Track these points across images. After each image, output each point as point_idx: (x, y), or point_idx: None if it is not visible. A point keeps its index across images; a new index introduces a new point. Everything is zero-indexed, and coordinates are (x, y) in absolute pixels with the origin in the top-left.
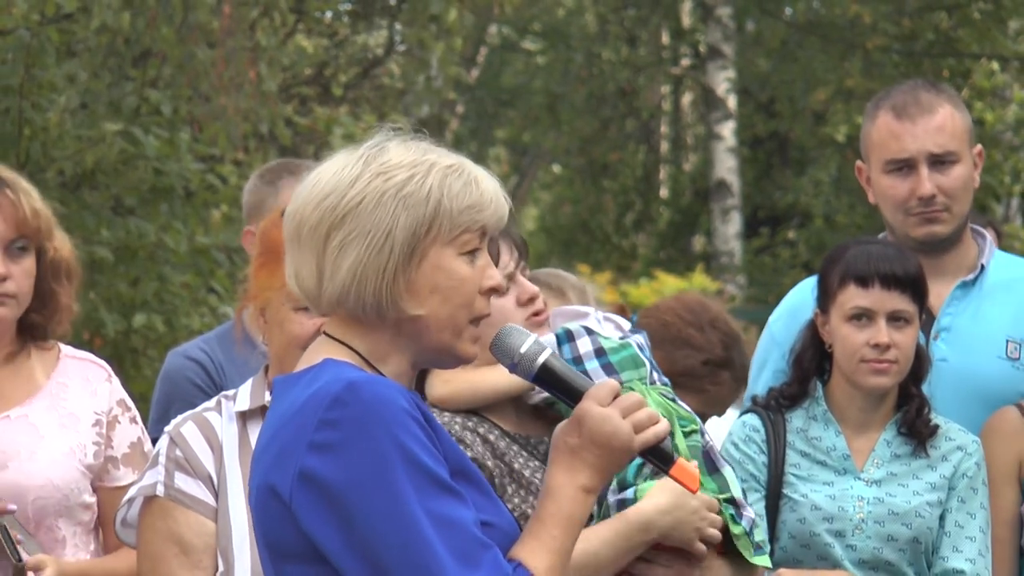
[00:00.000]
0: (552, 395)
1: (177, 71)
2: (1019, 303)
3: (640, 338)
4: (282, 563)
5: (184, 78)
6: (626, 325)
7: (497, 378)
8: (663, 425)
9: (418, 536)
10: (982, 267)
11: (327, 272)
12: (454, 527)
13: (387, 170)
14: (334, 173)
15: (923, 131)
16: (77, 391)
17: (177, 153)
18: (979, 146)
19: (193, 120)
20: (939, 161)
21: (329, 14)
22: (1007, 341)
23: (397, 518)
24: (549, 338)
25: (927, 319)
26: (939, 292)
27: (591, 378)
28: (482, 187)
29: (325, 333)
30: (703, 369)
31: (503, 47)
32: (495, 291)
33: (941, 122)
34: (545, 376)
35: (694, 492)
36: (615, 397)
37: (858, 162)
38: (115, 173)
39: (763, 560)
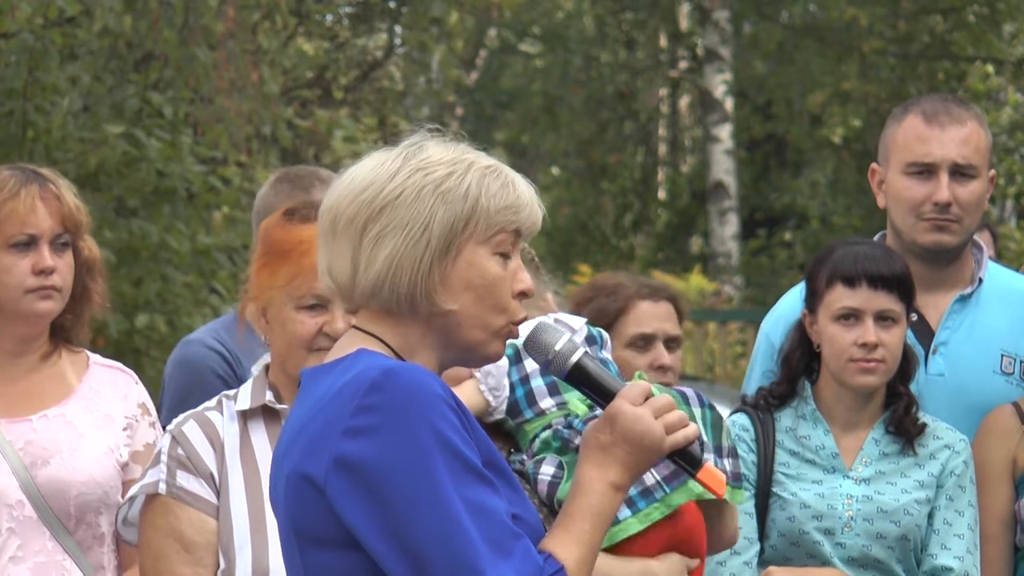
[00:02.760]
0: (583, 393)
1: (178, 73)
2: (1013, 316)
3: (591, 350)
4: (311, 550)
5: (185, 80)
6: (578, 324)
7: (460, 397)
8: (692, 428)
9: (454, 522)
10: (980, 281)
11: (362, 264)
12: (488, 515)
13: (426, 166)
14: (372, 168)
15: (950, 140)
16: (109, 395)
17: (179, 155)
18: (993, 171)
19: (196, 123)
20: (960, 172)
21: (329, 17)
22: (1002, 355)
23: (433, 504)
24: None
25: (926, 333)
26: (938, 305)
27: (535, 397)
28: (519, 190)
29: (355, 327)
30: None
31: (502, 50)
32: (525, 295)
33: (968, 135)
34: (578, 374)
35: (720, 496)
36: (647, 398)
37: (873, 165)
38: (118, 175)
39: (738, 495)
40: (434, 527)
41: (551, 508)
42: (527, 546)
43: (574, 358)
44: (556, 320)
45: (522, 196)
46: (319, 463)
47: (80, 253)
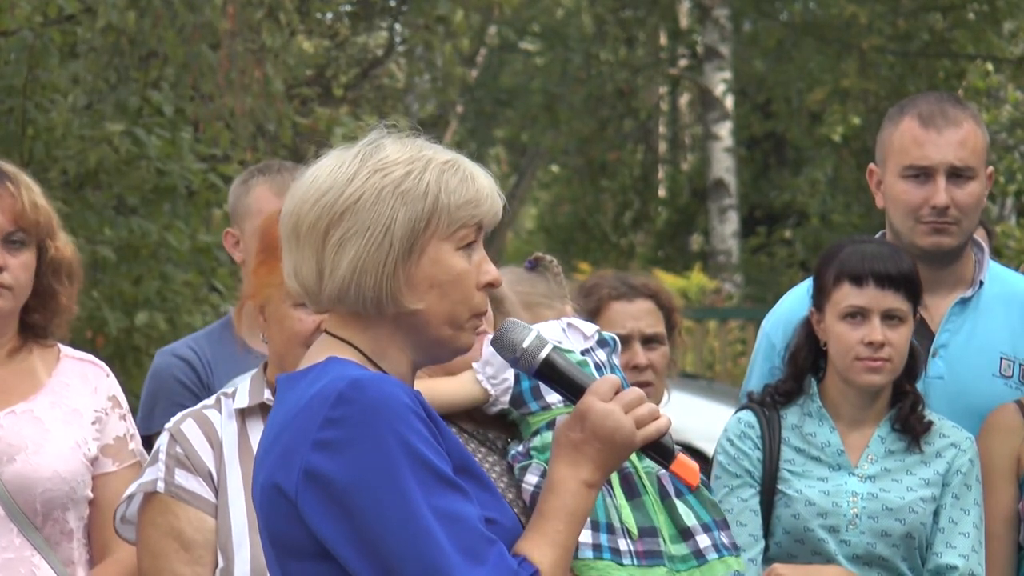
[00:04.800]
0: (555, 390)
1: (180, 71)
2: (1014, 320)
3: (603, 354)
4: (288, 561)
5: (187, 78)
6: (590, 330)
7: (456, 389)
8: (664, 420)
9: (424, 532)
10: (980, 283)
11: (327, 268)
12: (459, 523)
13: (384, 166)
14: (331, 171)
15: (947, 143)
16: (78, 389)
17: (179, 153)
18: (991, 168)
19: (196, 120)
20: (957, 175)
21: (330, 15)
22: (1001, 359)
23: (403, 515)
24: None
25: (926, 335)
26: (938, 306)
27: (542, 391)
28: (478, 183)
29: (327, 332)
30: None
31: (502, 48)
32: (492, 285)
33: (964, 137)
34: (547, 371)
35: (693, 487)
36: (616, 392)
37: (871, 165)
38: (118, 173)
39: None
40: (405, 538)
41: (523, 517)
42: (500, 551)
43: (542, 355)
44: (568, 325)
45: (482, 189)
46: (290, 475)
47: (46, 252)
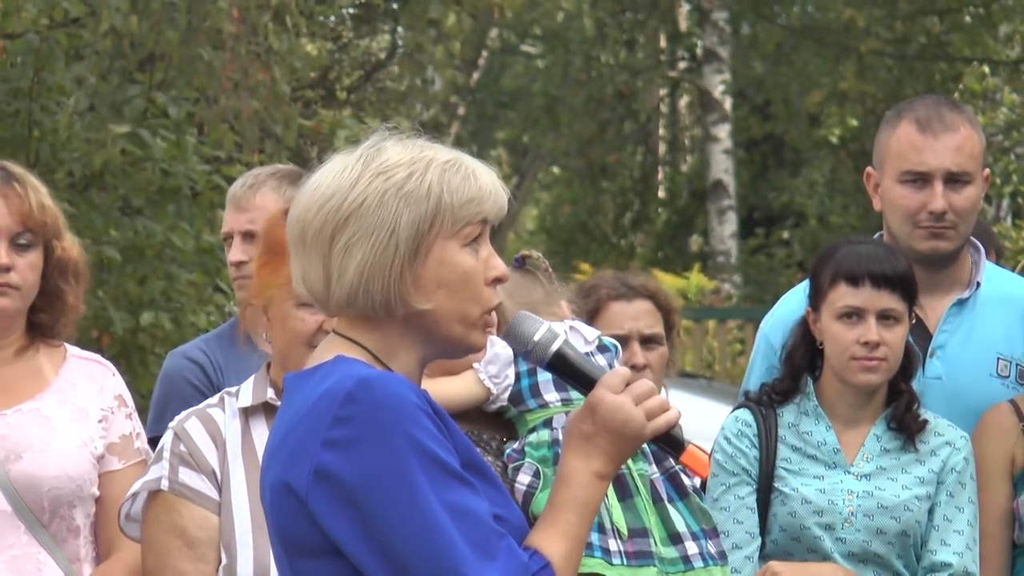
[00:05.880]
0: (566, 382)
1: (179, 74)
2: (1010, 320)
3: (602, 359)
4: (298, 559)
5: (188, 80)
6: (591, 335)
7: (459, 388)
8: (674, 412)
9: (435, 528)
10: (978, 284)
11: (334, 274)
12: (470, 518)
13: (386, 169)
14: (334, 176)
15: (944, 148)
16: (85, 388)
17: (183, 155)
18: (987, 170)
19: (200, 123)
20: (954, 180)
21: (333, 18)
22: (998, 359)
23: (414, 511)
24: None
25: (924, 336)
26: (935, 308)
27: (540, 389)
28: (480, 180)
29: (335, 332)
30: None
31: (503, 50)
32: (500, 280)
33: (961, 142)
34: (558, 363)
35: (704, 478)
36: (627, 385)
37: (868, 168)
38: (123, 174)
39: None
40: (416, 534)
41: (524, 516)
42: (511, 545)
43: (554, 347)
44: (571, 328)
45: (484, 186)
46: (300, 474)
47: (52, 252)
